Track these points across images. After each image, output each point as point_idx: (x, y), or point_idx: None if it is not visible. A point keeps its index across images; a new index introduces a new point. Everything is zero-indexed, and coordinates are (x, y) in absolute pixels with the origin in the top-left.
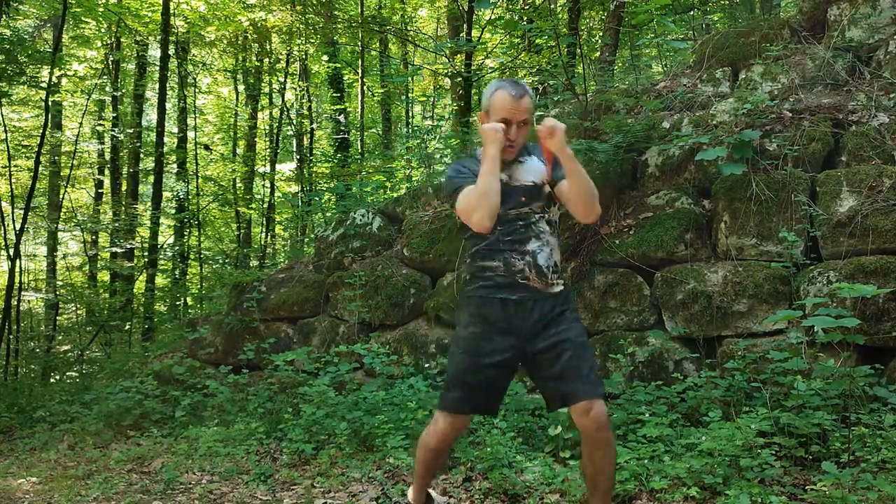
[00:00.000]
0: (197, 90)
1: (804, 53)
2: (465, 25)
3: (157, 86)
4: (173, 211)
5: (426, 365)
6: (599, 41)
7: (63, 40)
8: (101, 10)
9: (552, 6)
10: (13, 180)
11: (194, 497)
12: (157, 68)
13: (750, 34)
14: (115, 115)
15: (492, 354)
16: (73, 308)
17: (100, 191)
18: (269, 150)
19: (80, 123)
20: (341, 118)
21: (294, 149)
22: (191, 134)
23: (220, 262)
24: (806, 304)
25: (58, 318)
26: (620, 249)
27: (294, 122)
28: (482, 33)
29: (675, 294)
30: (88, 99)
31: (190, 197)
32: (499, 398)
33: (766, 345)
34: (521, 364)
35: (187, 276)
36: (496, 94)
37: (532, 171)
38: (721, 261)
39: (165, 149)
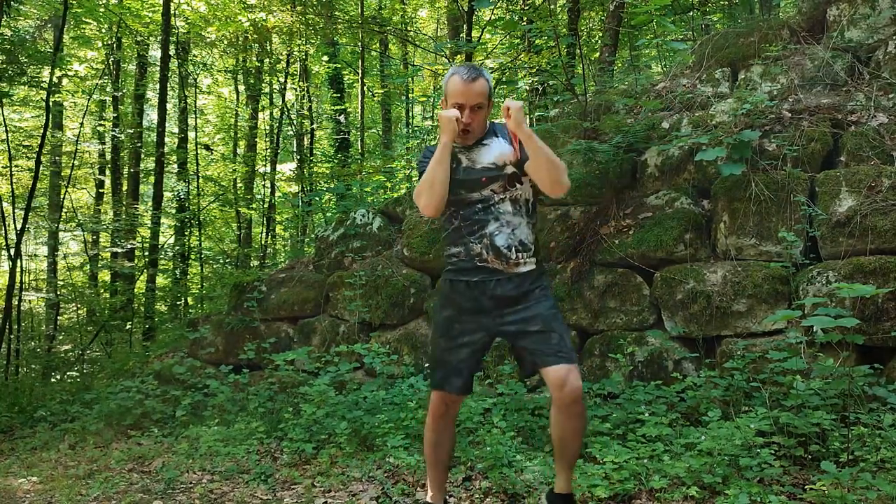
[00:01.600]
0: (197, 90)
1: (803, 54)
2: (465, 26)
3: (157, 86)
4: (174, 211)
5: (426, 365)
6: (599, 42)
7: (64, 40)
8: (101, 10)
9: (552, 7)
10: (14, 180)
11: (195, 496)
12: (158, 68)
13: (749, 35)
14: (115, 115)
15: (462, 335)
16: (74, 308)
17: (100, 191)
18: (269, 151)
19: (81, 123)
20: (341, 118)
21: (294, 149)
22: (191, 134)
23: (221, 262)
24: (805, 303)
25: (58, 317)
26: (620, 249)
27: (294, 122)
28: (482, 34)
29: (675, 294)
30: (89, 99)
31: (191, 197)
32: (471, 378)
33: (765, 344)
34: (492, 341)
35: (188, 276)
36: (450, 80)
37: (494, 152)
38: (720, 261)
39: (166, 149)
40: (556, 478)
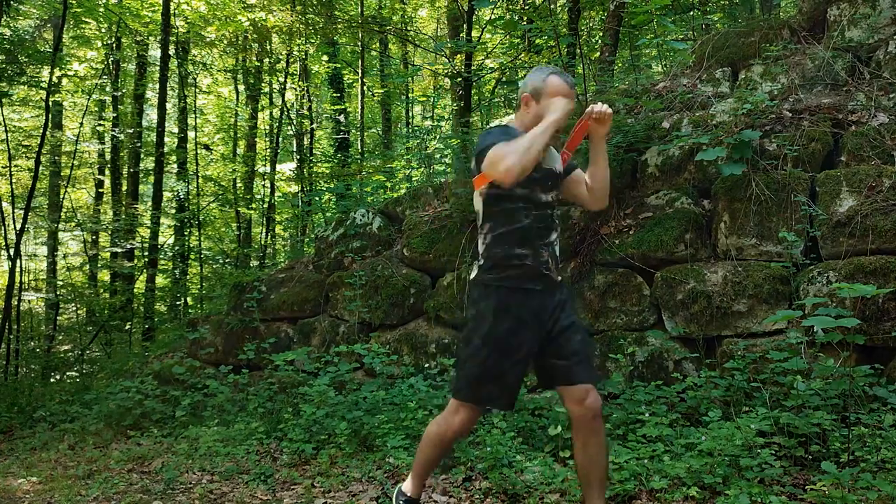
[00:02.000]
0: (197, 90)
1: (804, 53)
2: (465, 25)
3: (157, 86)
4: (173, 211)
5: (426, 365)
6: (599, 41)
7: (63, 40)
8: (101, 10)
9: (552, 6)
10: (13, 180)
11: (194, 497)
12: (158, 68)
13: (750, 34)
14: (115, 115)
15: (520, 349)
16: (74, 308)
17: (100, 191)
18: (269, 150)
19: (81, 123)
20: (341, 118)
21: (294, 149)
22: (191, 134)
23: (221, 261)
24: (806, 304)
25: (58, 317)
26: (620, 249)
27: (294, 122)
28: (482, 33)
29: (675, 294)
30: (89, 99)
31: (190, 197)
32: (518, 392)
33: (765, 345)
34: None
35: (187, 276)
36: (551, 79)
37: (555, 159)
38: (721, 261)
39: (166, 149)
40: None
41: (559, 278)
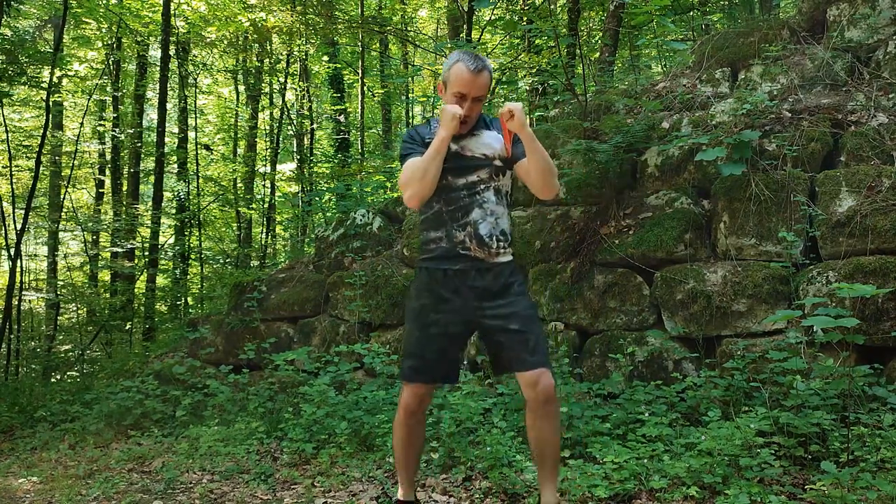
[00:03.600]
0: (197, 90)
1: (803, 54)
2: (465, 26)
3: (157, 86)
4: (174, 211)
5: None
6: (599, 42)
7: (64, 41)
8: (101, 10)
9: (552, 7)
10: (14, 180)
11: (195, 496)
12: (158, 69)
13: (749, 35)
14: (115, 115)
15: (438, 324)
16: (74, 308)
17: (100, 191)
18: (269, 151)
19: (81, 123)
20: (341, 118)
21: (294, 149)
22: (191, 134)
23: (221, 262)
24: (805, 303)
25: (59, 317)
26: (620, 249)
27: (294, 122)
28: (482, 34)
29: (675, 294)
30: (89, 99)
31: (191, 197)
32: (454, 366)
33: (765, 344)
34: (472, 332)
35: (188, 276)
36: (455, 67)
37: (485, 143)
38: (720, 261)
39: (166, 149)
40: (541, 493)
41: (495, 259)
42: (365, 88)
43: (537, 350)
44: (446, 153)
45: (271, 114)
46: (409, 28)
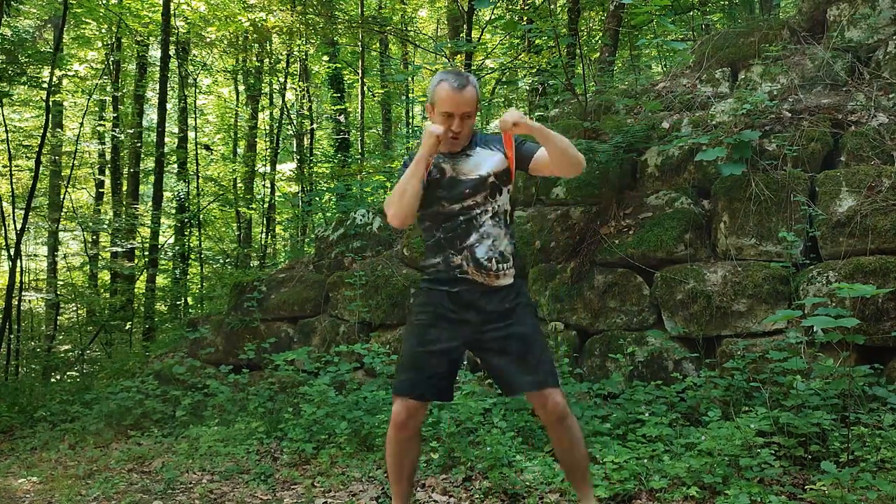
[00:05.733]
0: (197, 90)
1: (803, 54)
2: (465, 26)
3: (157, 86)
4: (174, 211)
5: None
6: (599, 42)
7: (64, 41)
8: (101, 10)
9: (552, 6)
10: (14, 180)
11: (195, 497)
12: (158, 69)
13: (749, 34)
14: (115, 115)
15: (436, 342)
16: (74, 308)
17: (100, 191)
18: (269, 150)
19: (81, 123)
20: (341, 118)
21: (294, 149)
22: (191, 134)
23: (221, 262)
24: (805, 303)
25: (58, 317)
26: (620, 249)
27: (294, 122)
28: (482, 33)
29: (675, 294)
30: (89, 99)
31: (190, 197)
32: (448, 385)
33: (765, 344)
34: (472, 353)
35: (188, 276)
36: (439, 87)
37: (478, 163)
38: (720, 261)
39: (166, 149)
40: (578, 500)
41: (496, 282)
42: (365, 88)
43: (539, 369)
44: (441, 179)
45: (271, 114)
46: (409, 28)
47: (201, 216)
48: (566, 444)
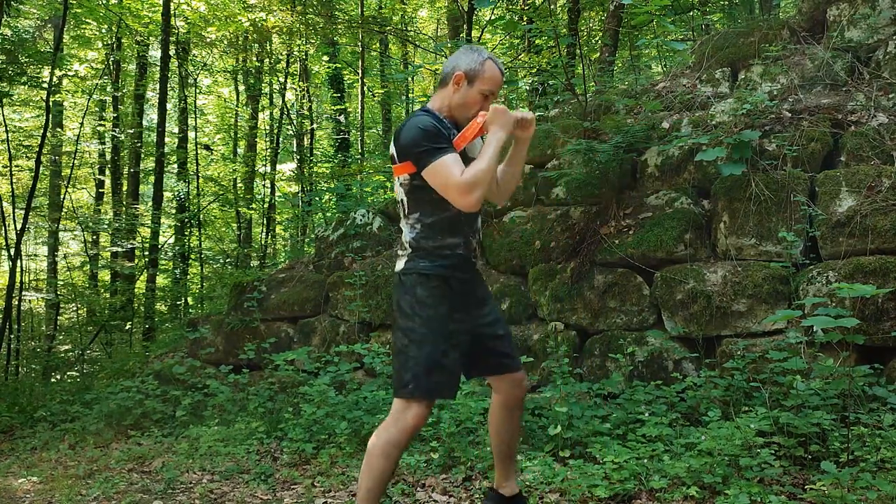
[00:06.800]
0: (197, 90)
1: (803, 54)
2: (465, 26)
3: (157, 86)
4: (174, 211)
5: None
6: (599, 42)
7: (64, 41)
8: (101, 10)
9: (552, 7)
10: (14, 180)
11: (195, 496)
12: (158, 69)
13: (749, 35)
14: (115, 115)
15: (456, 334)
16: (74, 308)
17: (100, 191)
18: (269, 151)
19: (81, 123)
20: (341, 118)
21: (294, 149)
22: (191, 134)
23: (221, 262)
24: (805, 303)
25: (58, 317)
26: (620, 249)
27: (294, 122)
28: (482, 33)
29: (675, 294)
30: (89, 99)
31: (191, 197)
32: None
33: (765, 344)
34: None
35: (188, 276)
36: (487, 65)
37: (476, 147)
38: (720, 261)
39: (166, 149)
40: (504, 480)
41: (476, 266)
42: (365, 88)
43: (514, 350)
44: (463, 157)
45: (271, 114)
46: (409, 28)
47: (201, 216)
48: (517, 423)
